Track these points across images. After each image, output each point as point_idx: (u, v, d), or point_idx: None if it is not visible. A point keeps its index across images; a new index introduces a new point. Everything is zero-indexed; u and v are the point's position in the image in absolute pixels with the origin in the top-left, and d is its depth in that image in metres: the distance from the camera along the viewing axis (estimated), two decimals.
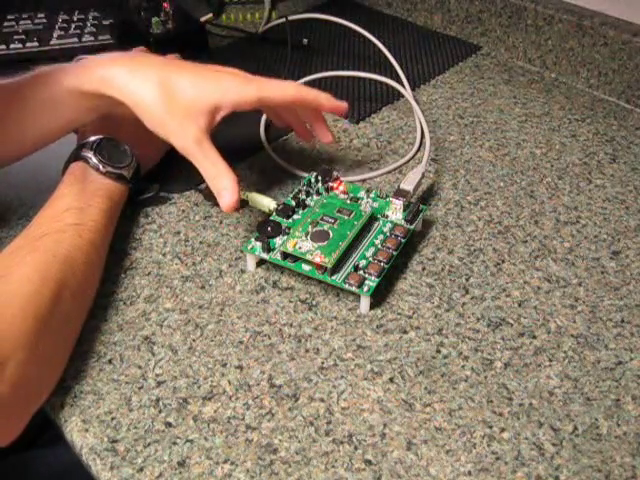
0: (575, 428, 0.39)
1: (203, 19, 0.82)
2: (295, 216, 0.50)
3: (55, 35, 0.74)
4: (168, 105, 0.46)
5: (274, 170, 0.59)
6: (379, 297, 0.47)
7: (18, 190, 0.57)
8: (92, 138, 0.51)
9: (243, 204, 0.54)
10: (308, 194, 0.52)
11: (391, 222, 0.50)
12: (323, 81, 0.71)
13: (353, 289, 0.45)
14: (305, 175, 0.58)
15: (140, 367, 0.43)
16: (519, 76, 0.74)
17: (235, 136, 0.61)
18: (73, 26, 0.76)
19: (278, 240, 0.48)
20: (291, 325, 0.45)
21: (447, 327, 0.45)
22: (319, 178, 0.53)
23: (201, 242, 0.52)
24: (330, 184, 0.52)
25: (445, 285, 0.48)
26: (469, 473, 0.37)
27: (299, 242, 0.47)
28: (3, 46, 0.73)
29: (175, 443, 0.38)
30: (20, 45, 0.73)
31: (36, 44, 0.73)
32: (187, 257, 0.51)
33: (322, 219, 0.49)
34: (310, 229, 0.48)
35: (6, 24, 0.76)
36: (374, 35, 0.73)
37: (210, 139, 0.47)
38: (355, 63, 0.76)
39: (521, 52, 0.76)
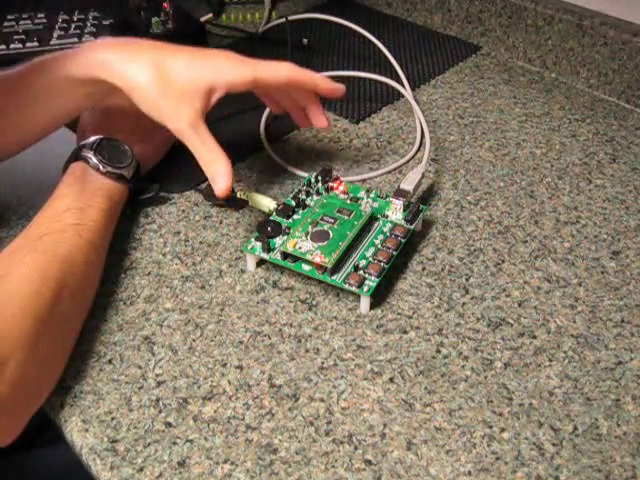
0: (575, 428, 0.39)
1: (203, 19, 0.82)
2: (295, 216, 0.50)
3: (55, 35, 0.74)
4: (163, 88, 0.46)
5: (274, 170, 0.59)
6: (379, 297, 0.47)
7: (18, 190, 0.57)
8: (92, 138, 0.50)
9: (243, 204, 0.54)
10: (308, 194, 0.52)
11: (391, 222, 0.50)
12: None
13: (353, 289, 0.45)
14: (305, 175, 0.58)
15: (140, 367, 0.43)
16: (519, 76, 0.74)
17: (235, 136, 0.61)
18: (73, 26, 0.76)
19: (278, 240, 0.48)
20: (291, 325, 0.45)
21: (447, 327, 0.45)
22: (319, 178, 0.53)
23: (201, 242, 0.52)
24: (330, 184, 0.52)
25: (445, 285, 0.48)
26: (469, 473, 0.37)
27: (299, 242, 0.47)
28: (3, 46, 0.73)
29: (175, 443, 0.38)
30: (20, 45, 0.73)
31: (36, 44, 0.73)
32: (187, 257, 0.51)
33: (322, 219, 0.49)
34: (310, 229, 0.48)
35: (6, 24, 0.76)
36: (374, 35, 0.73)
37: (205, 123, 0.47)
38: (355, 63, 0.76)
39: (521, 52, 0.76)
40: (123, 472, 0.37)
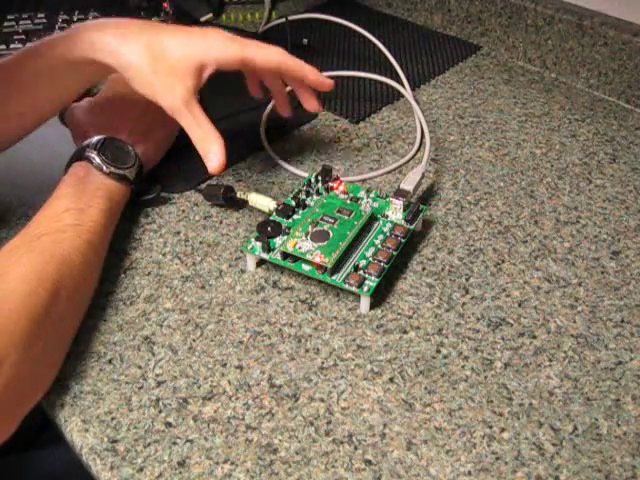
0: (575, 428, 0.39)
1: (203, 19, 0.82)
2: (295, 216, 0.50)
3: None
4: (155, 65, 0.47)
5: (274, 170, 0.59)
6: (379, 297, 0.47)
7: (18, 190, 0.57)
8: (95, 138, 0.50)
9: (243, 204, 0.54)
10: (308, 194, 0.52)
11: (391, 222, 0.50)
12: None
13: (353, 289, 0.45)
14: (305, 175, 0.58)
15: (140, 367, 0.43)
16: (519, 76, 0.74)
17: (235, 136, 0.61)
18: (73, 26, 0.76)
19: (278, 240, 0.48)
20: (291, 325, 0.45)
21: (447, 327, 0.45)
22: (319, 178, 0.53)
23: (201, 242, 0.52)
24: (330, 184, 0.52)
25: (445, 285, 0.48)
26: (469, 473, 0.37)
27: (299, 242, 0.47)
28: (3, 46, 0.73)
29: (175, 443, 0.38)
30: (20, 45, 0.73)
31: None
32: (187, 257, 0.51)
33: (322, 219, 0.49)
34: (310, 229, 0.48)
35: (6, 24, 0.77)
36: (374, 35, 0.73)
37: (198, 101, 0.48)
38: (355, 63, 0.76)
39: (521, 52, 0.76)
40: (123, 472, 0.37)
